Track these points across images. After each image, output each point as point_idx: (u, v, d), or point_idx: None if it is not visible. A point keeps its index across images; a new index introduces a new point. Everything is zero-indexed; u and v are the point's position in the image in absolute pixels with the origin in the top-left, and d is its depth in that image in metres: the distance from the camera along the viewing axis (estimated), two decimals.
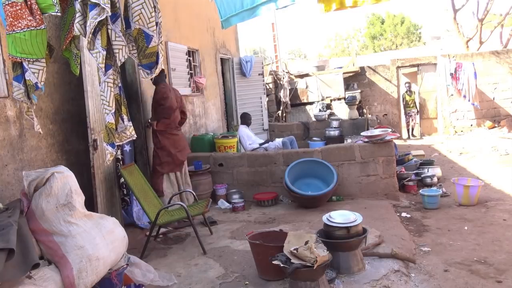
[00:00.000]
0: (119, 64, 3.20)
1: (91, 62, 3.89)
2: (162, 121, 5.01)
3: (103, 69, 3.10)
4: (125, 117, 3.55)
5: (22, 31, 2.77)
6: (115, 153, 3.54)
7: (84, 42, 3.57)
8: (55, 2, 2.81)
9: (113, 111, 3.29)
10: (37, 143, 3.64)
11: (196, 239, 4.07)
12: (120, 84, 3.40)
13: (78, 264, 2.54)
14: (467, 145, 9.29)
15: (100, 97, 3.33)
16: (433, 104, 12.23)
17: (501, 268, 3.47)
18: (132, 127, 3.67)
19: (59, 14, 2.88)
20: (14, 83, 2.99)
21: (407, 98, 11.91)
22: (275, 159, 5.81)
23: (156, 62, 3.44)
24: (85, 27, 2.94)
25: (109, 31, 3.06)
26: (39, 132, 3.30)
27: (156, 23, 3.28)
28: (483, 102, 10.80)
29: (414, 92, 12.11)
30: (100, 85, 3.28)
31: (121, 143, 3.76)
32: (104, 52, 3.01)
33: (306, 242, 2.97)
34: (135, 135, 3.79)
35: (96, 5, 2.82)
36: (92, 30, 2.88)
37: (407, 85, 11.97)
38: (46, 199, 2.61)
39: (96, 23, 2.85)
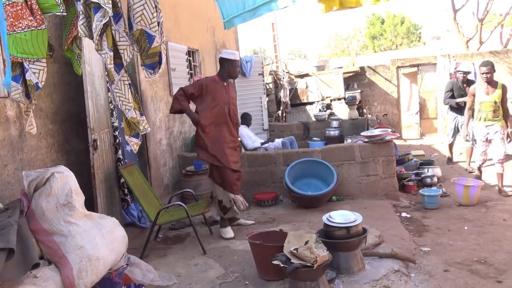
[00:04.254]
0: (125, 64, 3.23)
1: (91, 62, 3.89)
2: None
3: (113, 69, 3.14)
4: (137, 112, 3.68)
5: (22, 31, 2.77)
6: (140, 142, 3.91)
7: (84, 42, 3.60)
8: (59, 2, 2.82)
9: (133, 106, 3.44)
10: (37, 143, 3.64)
11: (196, 239, 4.08)
12: (129, 81, 3.46)
13: (78, 264, 2.54)
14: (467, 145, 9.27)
15: (114, 95, 3.45)
16: (433, 104, 12.20)
17: (501, 268, 3.47)
18: (145, 121, 3.84)
19: (64, 14, 2.89)
20: (13, 83, 2.99)
21: (483, 99, 5.84)
22: (275, 159, 5.81)
23: (159, 62, 3.47)
24: (89, 29, 2.96)
25: (113, 31, 3.08)
26: (39, 132, 3.31)
27: (158, 23, 3.29)
28: None
29: (504, 87, 5.83)
30: (114, 84, 3.35)
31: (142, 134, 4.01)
32: (111, 53, 3.04)
33: (306, 242, 2.97)
34: (149, 128, 3.97)
35: (99, 7, 2.83)
36: (99, 32, 2.89)
37: (485, 71, 5.79)
38: (46, 199, 2.61)
39: (102, 25, 2.86)
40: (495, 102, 5.79)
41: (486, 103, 5.85)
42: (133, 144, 3.80)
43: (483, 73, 5.88)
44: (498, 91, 5.81)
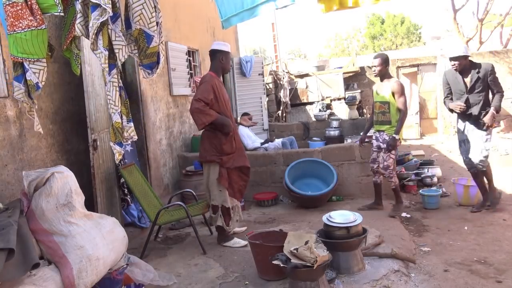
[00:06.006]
0: (119, 64, 3.21)
1: (91, 62, 3.89)
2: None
3: (107, 69, 3.12)
4: (124, 117, 3.48)
5: (23, 31, 2.77)
6: (123, 152, 3.53)
7: (84, 42, 3.59)
8: (58, 2, 2.82)
9: (119, 110, 3.30)
10: (37, 143, 3.64)
11: (196, 239, 4.08)
12: (121, 84, 3.39)
13: (78, 264, 2.54)
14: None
15: (106, 97, 3.36)
16: (433, 104, 12.21)
17: (501, 268, 3.47)
18: (132, 127, 3.59)
19: (61, 14, 2.89)
20: (15, 83, 2.99)
21: (374, 98, 5.07)
22: (275, 159, 5.81)
23: (157, 62, 3.45)
24: (87, 27, 2.95)
25: (109, 31, 3.07)
26: (39, 132, 3.31)
27: (157, 23, 3.29)
28: None
29: (397, 85, 4.83)
30: (106, 86, 3.30)
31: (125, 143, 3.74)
32: (107, 53, 3.02)
33: (306, 242, 2.97)
34: (136, 137, 3.67)
35: (98, 6, 2.82)
36: (95, 31, 2.88)
37: (373, 64, 5.16)
38: (46, 199, 2.61)
39: (99, 24, 2.86)
40: (384, 103, 4.83)
41: (375, 103, 4.99)
42: (116, 152, 3.45)
43: (371, 67, 5.02)
44: (387, 90, 4.80)
